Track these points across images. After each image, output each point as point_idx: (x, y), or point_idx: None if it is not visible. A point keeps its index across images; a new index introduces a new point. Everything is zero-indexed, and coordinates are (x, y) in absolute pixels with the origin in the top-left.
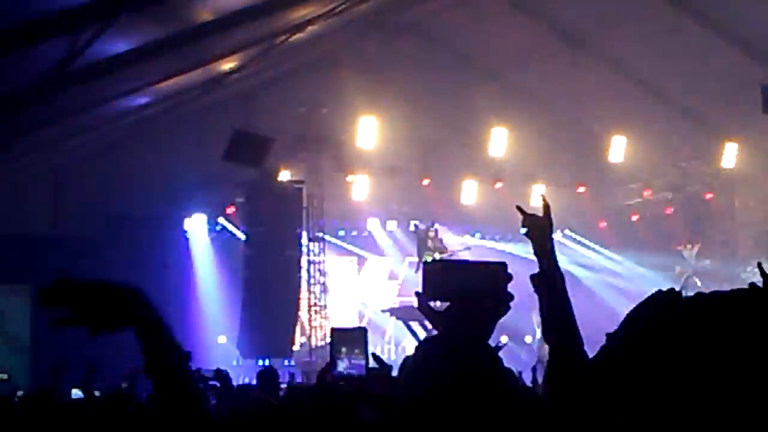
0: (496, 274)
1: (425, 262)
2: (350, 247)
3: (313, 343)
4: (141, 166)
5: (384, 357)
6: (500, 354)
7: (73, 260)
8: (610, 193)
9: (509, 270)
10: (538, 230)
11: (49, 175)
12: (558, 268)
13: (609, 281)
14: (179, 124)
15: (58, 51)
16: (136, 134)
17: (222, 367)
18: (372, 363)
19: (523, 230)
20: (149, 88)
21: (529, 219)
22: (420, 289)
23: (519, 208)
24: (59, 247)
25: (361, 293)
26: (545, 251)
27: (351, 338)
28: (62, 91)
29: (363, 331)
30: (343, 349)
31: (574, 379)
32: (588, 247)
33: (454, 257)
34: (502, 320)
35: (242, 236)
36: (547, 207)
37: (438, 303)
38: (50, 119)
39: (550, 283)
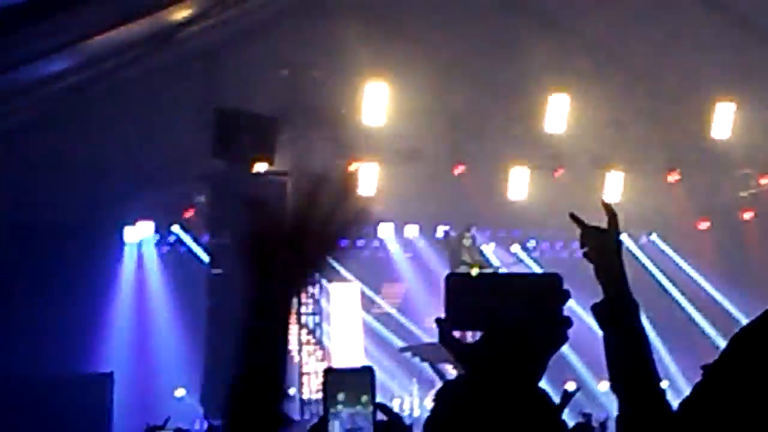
0: (547, 290)
1: (448, 276)
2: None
3: (306, 395)
4: (62, 156)
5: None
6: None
7: None
8: (714, 181)
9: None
10: (602, 248)
11: None
12: (629, 294)
13: (709, 307)
14: (116, 96)
15: None
16: (54, 113)
17: (184, 428)
18: (379, 416)
19: (583, 249)
20: (71, 47)
21: (588, 234)
22: (442, 315)
23: (573, 217)
24: None
25: (372, 326)
26: (611, 276)
27: (352, 382)
28: None
29: (368, 372)
30: (341, 397)
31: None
32: (681, 257)
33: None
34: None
35: (203, 253)
36: (613, 217)
37: (468, 333)
38: None
39: (618, 316)
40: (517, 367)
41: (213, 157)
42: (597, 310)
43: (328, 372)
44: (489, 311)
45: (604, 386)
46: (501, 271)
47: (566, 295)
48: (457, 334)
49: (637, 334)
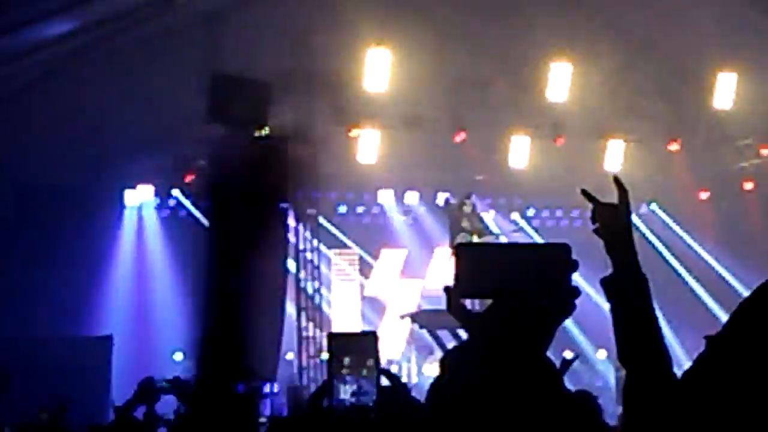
0: (554, 259)
1: (458, 245)
2: (345, 239)
3: (305, 360)
4: (63, 119)
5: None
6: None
7: None
8: (715, 151)
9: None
10: (612, 224)
11: None
12: (639, 270)
13: (709, 278)
14: (116, 60)
15: None
16: (55, 76)
17: (181, 377)
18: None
19: (594, 225)
20: (71, 10)
21: (599, 210)
22: (450, 283)
23: (585, 193)
24: None
25: (371, 293)
26: (621, 250)
27: (357, 347)
28: None
29: (373, 336)
30: (346, 361)
31: (665, 405)
32: (682, 228)
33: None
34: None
35: (204, 217)
36: (623, 192)
37: (476, 302)
38: None
39: (627, 291)
40: (524, 336)
41: (207, 122)
42: (606, 285)
43: (333, 336)
44: (497, 281)
45: (602, 354)
46: (501, 238)
47: (575, 266)
48: (467, 303)
49: (647, 309)
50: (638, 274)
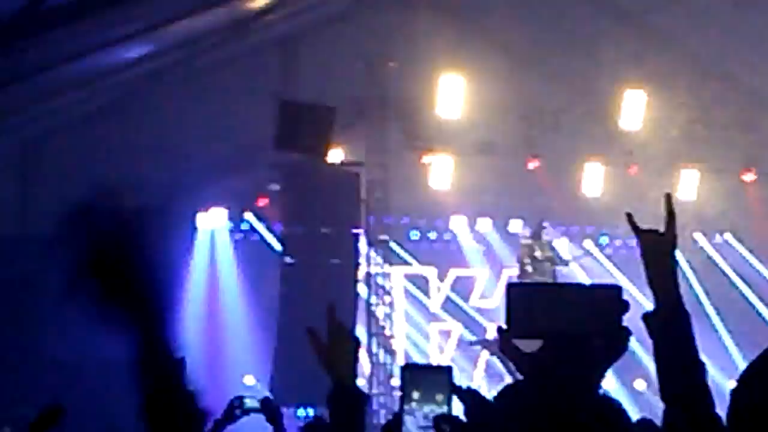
0: (606, 301)
1: (509, 285)
2: (417, 264)
3: (374, 387)
4: (137, 142)
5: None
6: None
7: (45, 267)
8: None
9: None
10: (656, 252)
11: (13, 156)
12: (682, 305)
13: None
14: (192, 83)
15: None
16: (131, 99)
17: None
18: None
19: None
20: (151, 33)
21: (645, 237)
22: (504, 323)
23: (629, 220)
24: (28, 251)
25: (441, 317)
26: (664, 283)
27: (429, 380)
28: (31, 37)
29: (447, 371)
30: (416, 395)
31: None
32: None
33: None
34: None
35: (276, 241)
36: (671, 216)
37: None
38: (14, 77)
39: (670, 327)
40: (575, 377)
41: (274, 148)
42: (648, 321)
43: (406, 368)
44: (549, 322)
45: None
46: (571, 265)
47: (626, 307)
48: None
49: (690, 346)
50: (681, 309)
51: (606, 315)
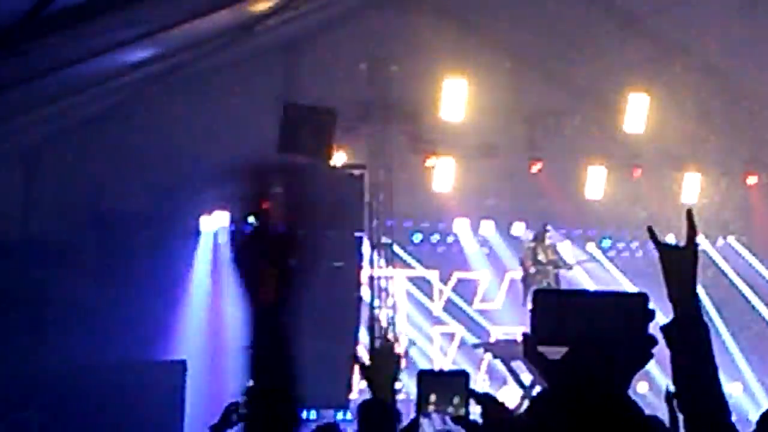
0: (633, 309)
1: (536, 292)
2: (420, 267)
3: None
4: (140, 145)
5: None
6: None
7: (48, 271)
8: None
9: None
10: (678, 266)
11: (16, 159)
12: (701, 317)
13: None
14: (195, 87)
15: None
16: (134, 102)
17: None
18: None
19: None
20: (154, 36)
21: (666, 253)
22: (528, 329)
23: (651, 234)
24: (30, 255)
25: (444, 320)
26: (684, 296)
27: (445, 385)
28: (34, 40)
29: (464, 375)
30: (432, 398)
31: None
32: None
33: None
34: None
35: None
36: (692, 231)
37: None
38: (17, 80)
39: (689, 339)
40: (601, 385)
41: (278, 152)
42: (667, 332)
43: (423, 374)
44: (575, 329)
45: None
46: (575, 269)
47: (652, 315)
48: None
49: (708, 358)
50: (701, 321)
51: (632, 322)
